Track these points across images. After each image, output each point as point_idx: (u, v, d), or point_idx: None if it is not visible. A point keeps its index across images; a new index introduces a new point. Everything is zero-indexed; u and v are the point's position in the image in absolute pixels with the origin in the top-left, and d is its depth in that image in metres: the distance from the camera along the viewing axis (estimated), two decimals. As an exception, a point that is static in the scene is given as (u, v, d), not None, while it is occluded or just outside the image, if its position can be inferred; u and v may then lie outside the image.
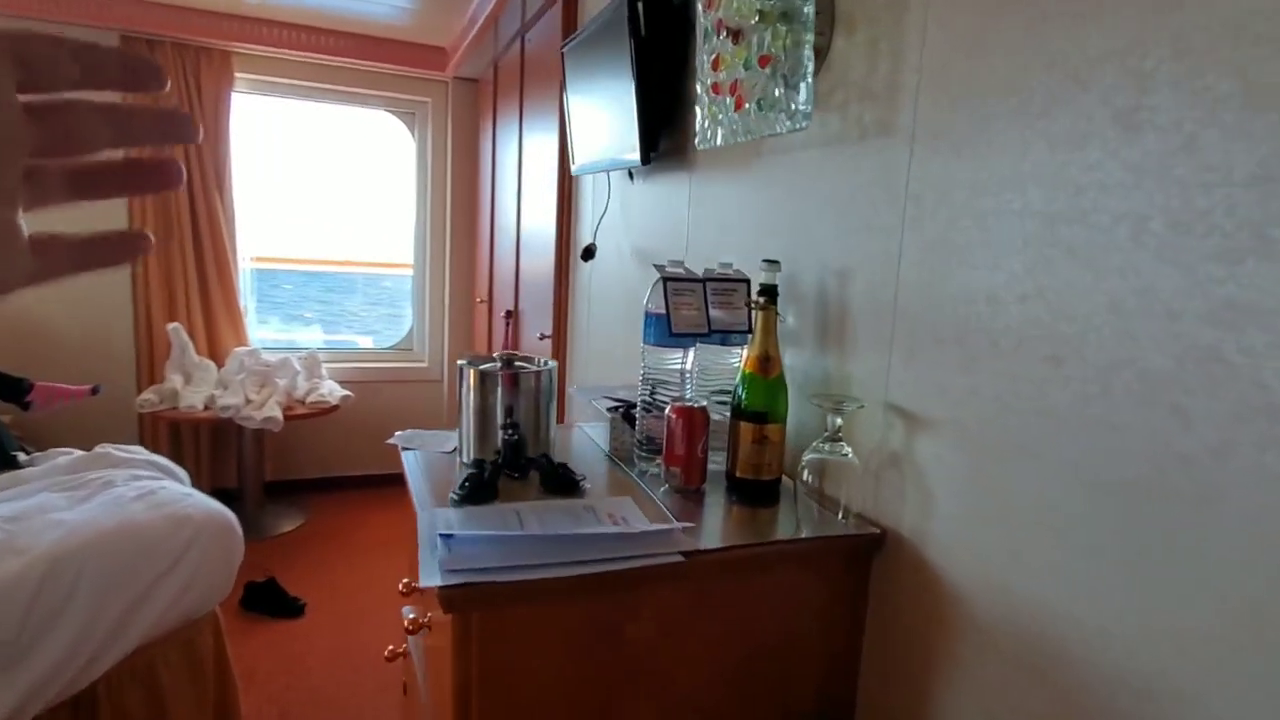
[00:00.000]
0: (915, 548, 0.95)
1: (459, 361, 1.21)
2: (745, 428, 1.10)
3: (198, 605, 1.88)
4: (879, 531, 0.99)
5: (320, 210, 3.97)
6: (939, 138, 0.90)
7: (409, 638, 1.28)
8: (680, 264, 1.17)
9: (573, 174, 2.00)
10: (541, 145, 2.48)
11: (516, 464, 1.10)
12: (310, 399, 3.35)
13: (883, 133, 0.99)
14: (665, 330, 1.14)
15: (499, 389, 1.16)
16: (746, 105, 1.13)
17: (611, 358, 1.96)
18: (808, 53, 1.03)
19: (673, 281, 1.13)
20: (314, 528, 3.41)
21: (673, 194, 1.61)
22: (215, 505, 2.03)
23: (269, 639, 2.49)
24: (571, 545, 0.88)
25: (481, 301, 3.34)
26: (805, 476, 1.01)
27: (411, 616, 1.04)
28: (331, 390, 3.46)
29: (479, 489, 1.03)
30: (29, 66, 0.26)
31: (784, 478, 1.11)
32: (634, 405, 1.28)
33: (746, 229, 1.33)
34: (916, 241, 0.94)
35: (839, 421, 0.99)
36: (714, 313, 1.16)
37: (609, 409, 1.30)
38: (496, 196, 3.20)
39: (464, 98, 3.74)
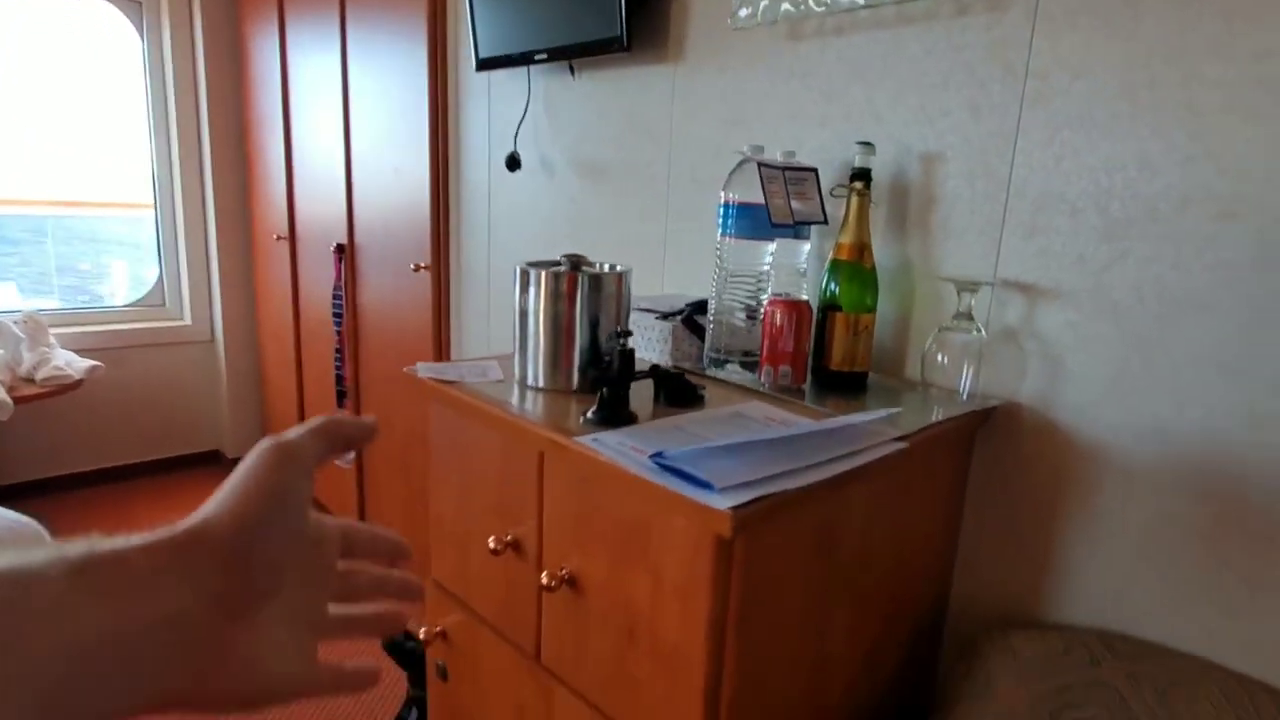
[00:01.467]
0: (1039, 414, 1.01)
1: (519, 266, 0.99)
2: (841, 318, 1.06)
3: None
4: (997, 404, 1.03)
5: (5, 134, 2.97)
6: (1075, 13, 0.92)
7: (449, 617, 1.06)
8: (760, 149, 1.08)
9: (475, 70, 1.72)
10: (389, 44, 2.10)
11: (630, 378, 0.94)
12: (42, 374, 2.55)
13: (991, 8, 0.99)
14: (761, 222, 1.04)
15: (580, 295, 0.98)
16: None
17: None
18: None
19: (766, 168, 1.04)
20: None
21: (643, 90, 1.47)
22: (9, 514, 1.47)
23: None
24: (800, 446, 0.78)
25: (280, 239, 2.78)
26: (939, 358, 1.01)
27: (545, 576, 0.85)
28: (70, 361, 2.67)
29: (618, 407, 0.87)
30: (349, 547, 0.39)
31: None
32: (693, 311, 1.17)
33: (772, 122, 1.26)
34: (1042, 118, 0.96)
35: (972, 301, 0.99)
36: (793, 204, 1.09)
37: (660, 317, 1.16)
38: (293, 111, 2.66)
39: (215, -13, 3.01)
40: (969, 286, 0.99)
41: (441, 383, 1.00)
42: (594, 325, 0.99)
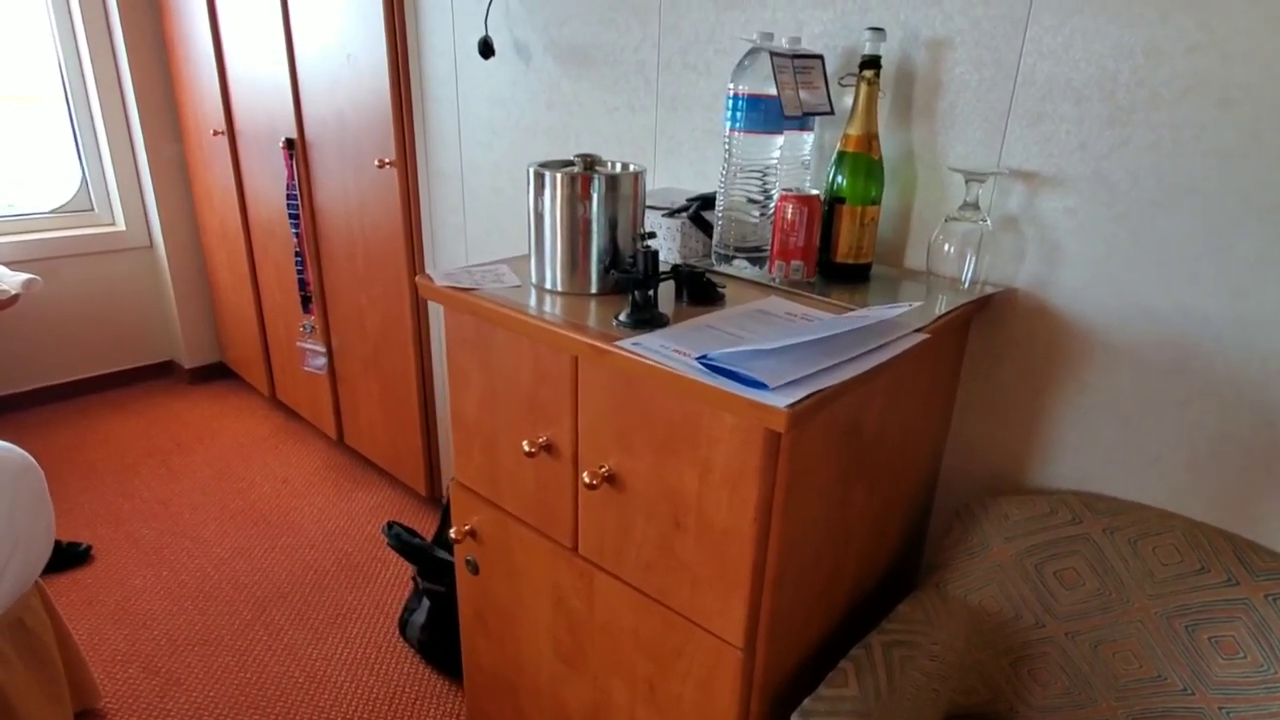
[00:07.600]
0: (1034, 297, 1.07)
1: (531, 167, 0.97)
2: (848, 210, 1.08)
3: (24, 574, 1.37)
4: (995, 292, 1.08)
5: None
6: (1095, -112, 0.91)
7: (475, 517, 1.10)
8: (770, 37, 1.05)
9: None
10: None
11: (657, 279, 0.95)
12: (-26, 289, 2.39)
13: (1007, -116, 0.97)
14: (771, 114, 1.03)
15: (596, 197, 0.96)
16: None
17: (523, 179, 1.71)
18: None
19: (779, 57, 1.02)
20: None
21: (626, -31, 1.39)
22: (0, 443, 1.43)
23: (68, 598, 1.91)
24: (835, 344, 0.82)
25: (218, 133, 2.59)
26: (945, 248, 1.04)
27: (587, 475, 0.89)
28: (1, 276, 2.50)
29: (650, 309, 0.88)
30: None
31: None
32: (699, 207, 1.17)
33: (771, 2, 1.22)
34: (1054, 3, 0.96)
35: (980, 190, 1.02)
36: (801, 94, 1.08)
37: (667, 214, 1.16)
38: (217, -11, 2.42)
39: None
40: (978, 177, 1.02)
41: (459, 290, 0.99)
42: (612, 227, 0.98)
